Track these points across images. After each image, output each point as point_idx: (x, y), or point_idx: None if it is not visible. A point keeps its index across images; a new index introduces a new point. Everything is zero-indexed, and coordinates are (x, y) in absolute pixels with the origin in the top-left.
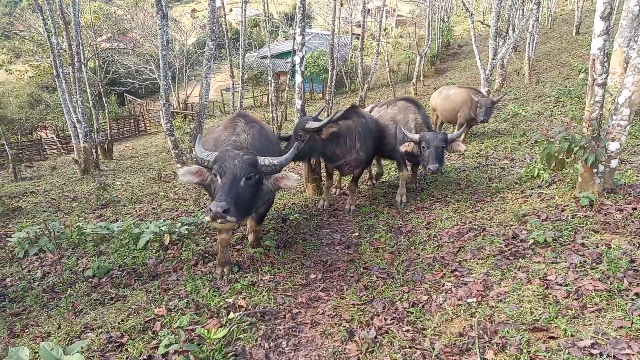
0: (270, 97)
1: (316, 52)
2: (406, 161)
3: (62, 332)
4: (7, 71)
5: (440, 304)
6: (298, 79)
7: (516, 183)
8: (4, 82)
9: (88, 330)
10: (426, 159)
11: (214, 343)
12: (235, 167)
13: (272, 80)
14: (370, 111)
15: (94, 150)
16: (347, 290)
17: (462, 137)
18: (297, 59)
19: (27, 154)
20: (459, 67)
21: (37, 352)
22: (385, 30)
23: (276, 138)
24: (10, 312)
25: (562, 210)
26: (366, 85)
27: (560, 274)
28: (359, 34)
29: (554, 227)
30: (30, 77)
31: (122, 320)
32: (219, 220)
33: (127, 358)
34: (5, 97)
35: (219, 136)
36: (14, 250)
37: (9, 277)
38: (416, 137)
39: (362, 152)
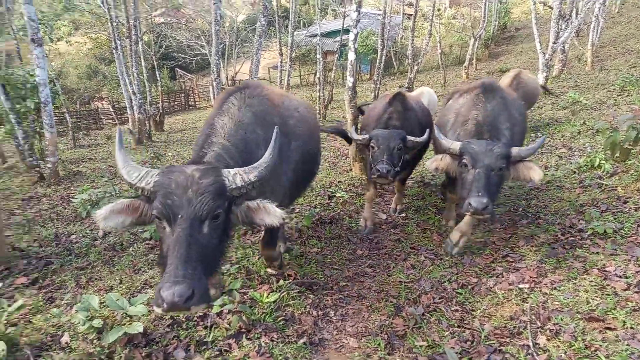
0: (318, 75)
1: (365, 31)
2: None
3: (124, 286)
4: (67, 43)
5: (491, 288)
6: (351, 55)
7: (574, 172)
8: (64, 53)
9: (147, 287)
10: (467, 185)
11: (265, 307)
12: (192, 205)
13: (321, 59)
14: (450, 97)
15: (147, 122)
16: (393, 268)
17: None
18: (351, 36)
19: (85, 123)
20: (514, 51)
21: (102, 302)
22: (438, 10)
23: (298, 118)
24: (76, 265)
25: (625, 202)
26: (416, 67)
27: (620, 266)
28: (411, 14)
29: (615, 219)
30: (88, 49)
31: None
32: (179, 310)
33: (183, 314)
34: (66, 68)
35: (209, 118)
36: (77, 210)
37: (73, 234)
38: (455, 146)
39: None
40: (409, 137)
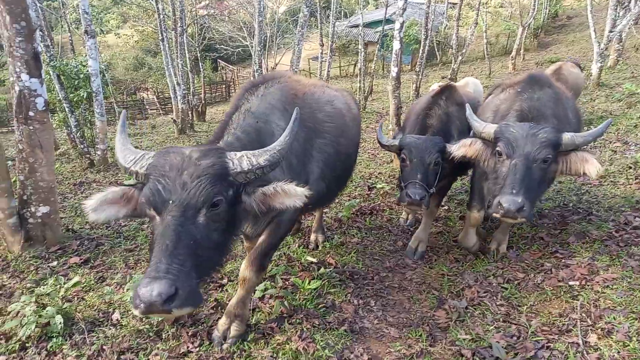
0: (359, 66)
1: (407, 21)
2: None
3: None
4: (116, 35)
5: (538, 284)
6: (396, 45)
7: (630, 167)
8: (112, 45)
9: None
10: (500, 180)
11: (307, 293)
12: (186, 189)
13: (362, 50)
14: (491, 92)
15: (190, 112)
16: (435, 260)
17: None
18: (396, 25)
19: (131, 113)
20: (566, 40)
21: None
22: None
23: (330, 113)
24: (125, 247)
25: None
26: (460, 58)
27: None
28: (455, 3)
29: None
30: (135, 42)
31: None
32: (159, 313)
33: (226, 297)
34: (114, 59)
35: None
36: None
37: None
38: (489, 129)
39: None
40: (448, 146)
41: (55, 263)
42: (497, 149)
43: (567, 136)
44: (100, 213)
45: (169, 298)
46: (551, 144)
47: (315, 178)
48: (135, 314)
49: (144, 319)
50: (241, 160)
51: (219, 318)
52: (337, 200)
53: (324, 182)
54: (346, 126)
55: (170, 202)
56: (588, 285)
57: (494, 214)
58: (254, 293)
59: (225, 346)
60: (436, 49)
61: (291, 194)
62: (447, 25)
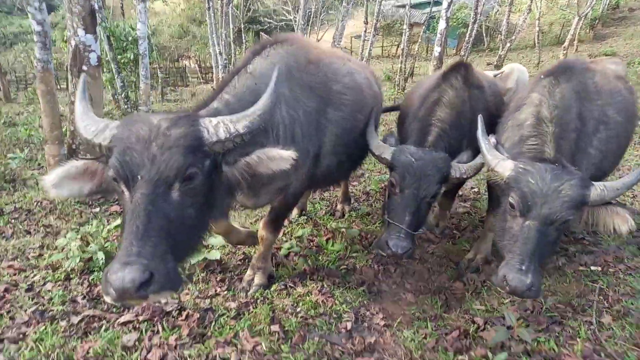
0: (402, 47)
1: (456, 4)
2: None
3: None
4: (163, 2)
5: (560, 266)
6: (442, 24)
7: None
8: (159, 12)
9: None
10: (509, 238)
11: (330, 255)
12: (156, 163)
13: (407, 30)
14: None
15: None
16: (459, 237)
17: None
18: (444, 4)
19: (173, 79)
20: (624, 34)
21: None
22: None
23: (348, 85)
24: None
25: None
26: (508, 44)
27: None
28: None
29: None
30: (182, 10)
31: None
32: (133, 299)
33: (253, 251)
34: (160, 26)
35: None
36: None
37: None
38: (503, 169)
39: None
40: (455, 166)
41: (97, 209)
42: (511, 200)
43: (596, 191)
44: (62, 189)
45: (143, 284)
46: (575, 205)
47: (327, 151)
48: (106, 300)
49: None
50: (217, 128)
51: (246, 269)
52: (366, 175)
53: (336, 157)
54: (365, 102)
55: (139, 177)
56: (610, 272)
57: (498, 287)
58: (280, 250)
59: (250, 292)
60: (484, 34)
61: (276, 158)
62: (498, 10)
